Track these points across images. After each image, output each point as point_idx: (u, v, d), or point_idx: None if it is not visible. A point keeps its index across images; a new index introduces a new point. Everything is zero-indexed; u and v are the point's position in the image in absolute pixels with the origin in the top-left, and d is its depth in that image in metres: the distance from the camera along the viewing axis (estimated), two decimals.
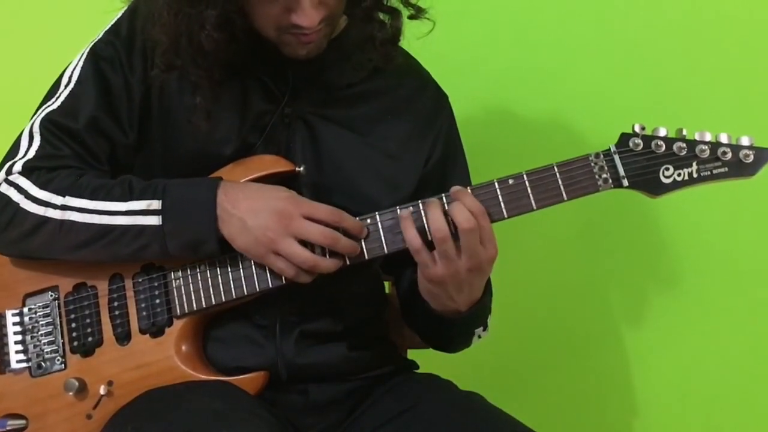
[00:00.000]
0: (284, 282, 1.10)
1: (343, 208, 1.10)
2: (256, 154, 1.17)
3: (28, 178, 1.13)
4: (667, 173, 1.05)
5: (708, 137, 1.05)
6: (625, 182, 1.06)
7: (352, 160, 1.20)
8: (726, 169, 1.04)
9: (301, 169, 1.15)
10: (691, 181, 1.05)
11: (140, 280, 1.15)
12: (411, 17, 1.16)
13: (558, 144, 1.65)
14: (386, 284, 1.38)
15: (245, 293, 1.12)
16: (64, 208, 1.10)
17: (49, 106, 1.17)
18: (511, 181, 1.06)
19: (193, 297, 1.13)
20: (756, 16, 1.58)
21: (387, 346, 1.31)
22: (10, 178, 1.14)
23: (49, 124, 1.15)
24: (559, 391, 1.75)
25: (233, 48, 1.10)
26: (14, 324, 1.18)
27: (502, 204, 1.06)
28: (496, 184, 1.07)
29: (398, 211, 1.08)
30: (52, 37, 1.70)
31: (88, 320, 1.16)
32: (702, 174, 1.05)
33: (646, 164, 1.06)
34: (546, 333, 1.74)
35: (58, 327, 1.17)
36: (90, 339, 1.15)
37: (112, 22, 1.20)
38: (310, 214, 1.08)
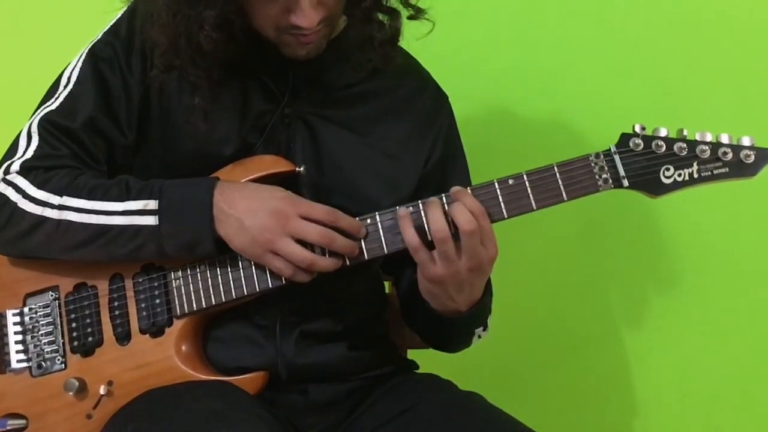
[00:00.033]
0: (284, 282, 1.10)
1: (343, 208, 1.10)
2: (256, 154, 1.17)
3: (25, 177, 1.13)
4: (667, 173, 1.05)
5: (709, 137, 1.05)
6: (626, 182, 1.06)
7: (352, 161, 1.20)
8: (727, 169, 1.04)
9: (301, 169, 1.15)
10: (691, 182, 1.05)
11: (140, 280, 1.15)
12: (410, 18, 1.16)
13: (558, 144, 1.65)
14: (386, 284, 1.38)
15: (245, 293, 1.12)
16: (61, 207, 1.10)
17: (47, 106, 1.17)
18: (511, 182, 1.06)
19: (193, 297, 1.13)
20: (756, 16, 1.58)
21: (387, 346, 1.31)
22: (8, 177, 1.14)
23: (47, 124, 1.15)
24: (559, 391, 1.75)
25: (232, 48, 1.10)
26: (15, 324, 1.18)
27: (502, 204, 1.06)
28: (496, 184, 1.07)
29: (398, 210, 1.08)
30: (52, 37, 1.70)
31: (88, 320, 1.16)
32: (703, 174, 1.05)
33: (646, 164, 1.06)
34: (546, 333, 1.74)
35: (59, 327, 1.17)
36: (90, 339, 1.15)
37: (111, 23, 1.20)
38: (306, 214, 1.08)
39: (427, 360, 1.35)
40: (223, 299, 1.12)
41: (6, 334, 1.18)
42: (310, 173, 1.16)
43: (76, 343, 1.16)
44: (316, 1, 1.06)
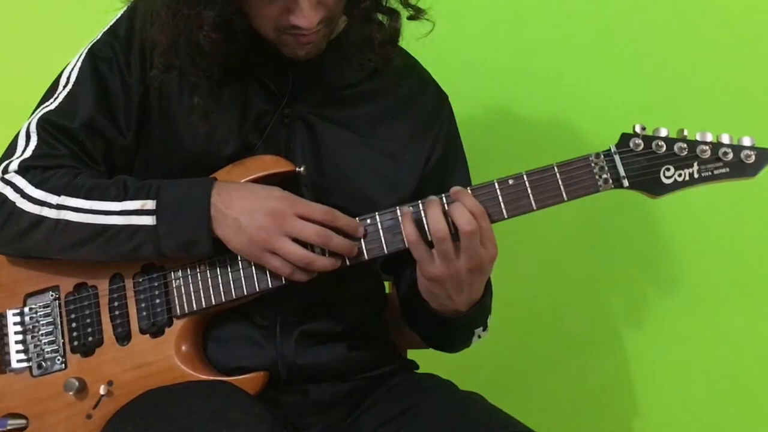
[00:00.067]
0: (284, 282, 1.10)
1: (343, 208, 1.10)
2: (257, 154, 1.17)
3: (24, 177, 1.13)
4: (667, 173, 1.05)
5: (709, 137, 1.05)
6: (626, 182, 1.06)
7: (353, 161, 1.20)
8: (727, 169, 1.04)
9: (301, 169, 1.15)
10: (692, 182, 1.05)
11: (140, 280, 1.15)
12: (410, 18, 1.16)
13: (558, 144, 1.65)
14: (386, 284, 1.38)
15: (245, 293, 1.12)
16: (59, 207, 1.10)
17: (46, 106, 1.17)
18: (511, 182, 1.06)
19: (193, 297, 1.13)
20: (756, 16, 1.58)
21: (387, 346, 1.31)
22: (6, 176, 1.14)
23: (46, 124, 1.15)
24: (559, 391, 1.75)
25: (232, 48, 1.10)
26: (15, 324, 1.18)
27: (502, 204, 1.06)
28: (496, 184, 1.07)
29: (398, 210, 1.08)
30: (52, 37, 1.70)
31: (88, 320, 1.16)
32: (703, 174, 1.05)
33: (646, 164, 1.05)
34: (546, 333, 1.74)
35: (59, 327, 1.17)
36: (90, 339, 1.15)
37: (111, 23, 1.20)
38: (304, 214, 1.08)
39: (427, 360, 1.35)
40: (223, 299, 1.12)
41: (6, 334, 1.18)
42: (310, 173, 1.16)
43: (76, 343, 1.16)
44: (316, 1, 1.06)
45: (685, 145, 1.05)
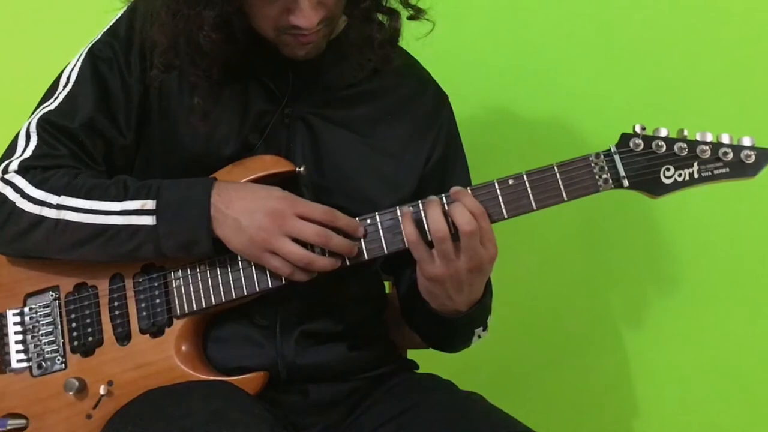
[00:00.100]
0: (284, 282, 1.10)
1: (344, 208, 1.10)
2: (257, 154, 1.17)
3: (24, 176, 1.13)
4: (667, 173, 1.05)
5: (709, 137, 1.05)
6: (626, 182, 1.06)
7: (353, 161, 1.21)
8: (727, 169, 1.04)
9: (302, 169, 1.15)
10: (692, 182, 1.05)
11: (140, 280, 1.15)
12: (410, 18, 1.16)
13: (558, 144, 1.65)
14: (386, 284, 1.38)
15: (245, 293, 1.12)
16: (59, 207, 1.10)
17: (46, 106, 1.17)
18: (511, 182, 1.06)
19: (193, 297, 1.13)
20: (756, 16, 1.58)
21: (387, 346, 1.31)
22: (6, 176, 1.14)
23: (46, 124, 1.15)
24: (559, 391, 1.75)
25: (232, 48, 1.10)
26: (15, 324, 1.18)
27: (502, 204, 1.06)
28: (496, 184, 1.07)
29: (398, 210, 1.08)
30: (52, 37, 1.70)
31: (88, 320, 1.16)
32: (703, 174, 1.05)
33: (646, 164, 1.05)
34: (546, 333, 1.74)
35: (59, 327, 1.17)
36: (90, 339, 1.15)
37: (111, 23, 1.20)
38: (304, 214, 1.08)
39: (427, 360, 1.35)
40: (223, 299, 1.12)
41: (6, 334, 1.18)
42: (310, 173, 1.16)
43: (76, 343, 1.16)
44: (316, 1, 1.06)
45: (685, 145, 1.05)
